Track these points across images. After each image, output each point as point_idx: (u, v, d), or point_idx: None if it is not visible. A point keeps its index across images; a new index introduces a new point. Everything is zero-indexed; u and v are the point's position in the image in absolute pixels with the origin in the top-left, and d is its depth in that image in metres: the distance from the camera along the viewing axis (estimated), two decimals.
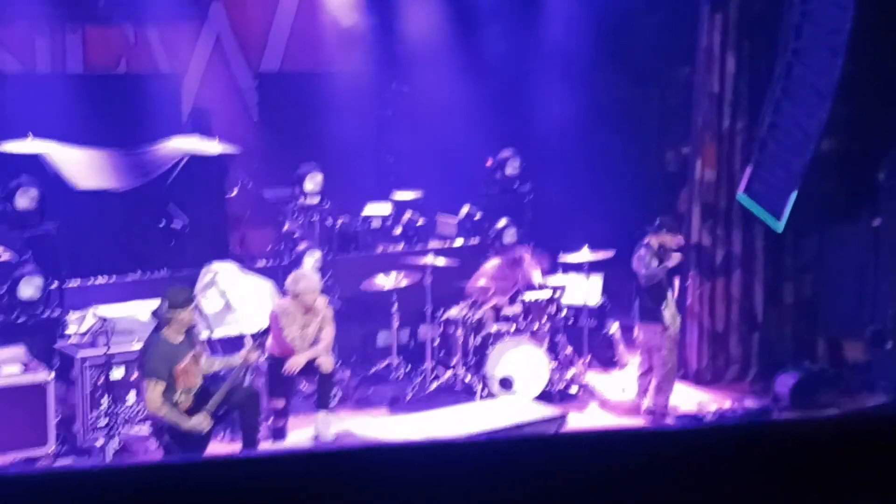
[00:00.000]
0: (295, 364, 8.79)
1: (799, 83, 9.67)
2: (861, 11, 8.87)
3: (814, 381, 10.05)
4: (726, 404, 10.12)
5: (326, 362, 8.93)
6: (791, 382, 10.01)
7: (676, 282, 10.57)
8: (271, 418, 8.90)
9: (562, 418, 9.19)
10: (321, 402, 9.04)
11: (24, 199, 9.51)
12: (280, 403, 8.87)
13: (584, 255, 10.76)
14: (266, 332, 8.46)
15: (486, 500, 2.34)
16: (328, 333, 8.97)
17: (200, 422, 7.64)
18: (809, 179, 9.50)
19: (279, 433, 8.87)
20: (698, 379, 10.91)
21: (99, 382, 8.81)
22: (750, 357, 10.96)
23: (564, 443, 2.52)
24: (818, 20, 9.45)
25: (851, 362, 10.51)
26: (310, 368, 8.98)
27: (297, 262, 10.60)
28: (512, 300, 10.89)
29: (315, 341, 8.95)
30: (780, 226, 9.86)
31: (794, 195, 9.43)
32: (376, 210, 11.98)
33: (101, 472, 2.30)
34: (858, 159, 10.00)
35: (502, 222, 11.24)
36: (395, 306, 10.62)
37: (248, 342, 8.32)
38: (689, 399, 10.36)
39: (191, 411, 7.71)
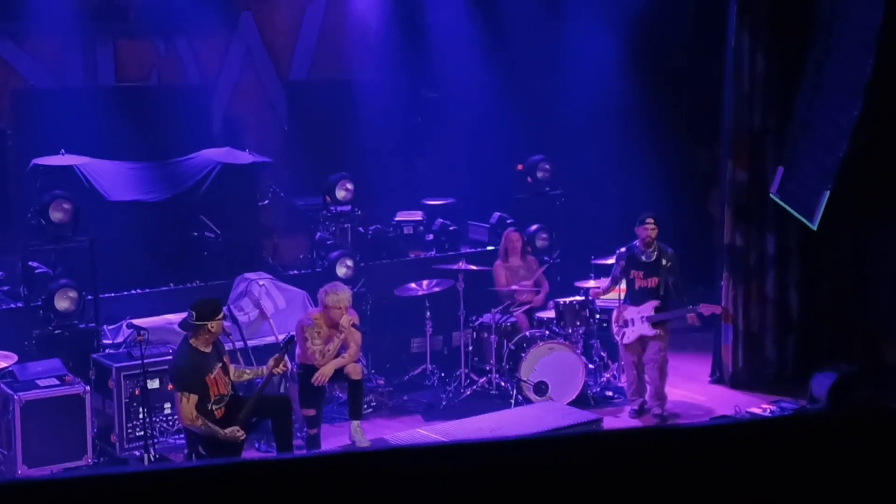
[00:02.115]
0: (323, 375, 8.81)
1: (830, 81, 9.59)
2: (891, 7, 8.78)
3: (851, 382, 9.95)
4: (763, 407, 10.04)
5: (355, 370, 8.93)
6: (828, 383, 9.92)
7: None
8: (304, 427, 8.92)
9: (597, 423, 9.16)
10: (353, 411, 9.06)
11: (59, 213, 9.60)
12: (311, 412, 8.88)
13: None
14: (292, 341, 8.48)
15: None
16: (354, 341, 8.97)
17: (234, 433, 7.67)
18: (843, 177, 9.41)
19: (313, 441, 8.89)
20: (734, 382, 10.84)
21: (135, 393, 8.87)
22: (786, 358, 10.88)
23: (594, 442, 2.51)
24: (848, 17, 9.37)
25: (889, 362, 10.40)
26: (340, 376, 9.00)
27: (329, 270, 10.63)
28: (545, 305, 10.90)
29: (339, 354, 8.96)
30: (814, 225, 9.77)
31: (826, 194, 9.35)
32: (408, 216, 11.99)
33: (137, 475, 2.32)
34: (892, 155, 9.90)
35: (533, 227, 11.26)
36: (429, 313, 10.62)
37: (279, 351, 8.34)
38: (725, 402, 10.29)
39: (223, 421, 7.74)
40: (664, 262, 9.79)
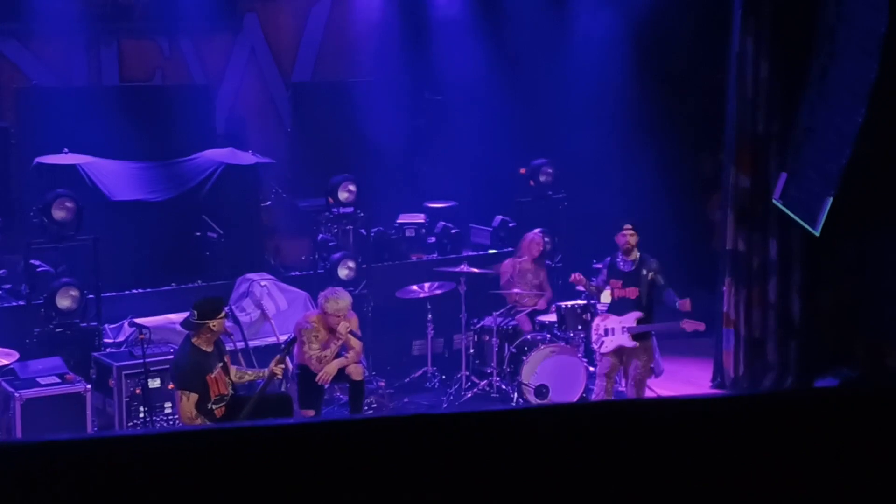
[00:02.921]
0: (326, 374, 8.79)
1: (834, 86, 9.59)
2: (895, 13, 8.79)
3: (852, 388, 9.93)
4: None
5: (356, 370, 8.92)
6: None
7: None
8: None
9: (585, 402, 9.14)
10: (354, 412, 9.04)
11: (61, 211, 9.61)
12: (310, 413, 8.87)
13: None
14: (293, 342, 8.47)
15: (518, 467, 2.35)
16: (356, 342, 8.95)
17: None
18: (846, 183, 9.41)
19: None
20: (735, 387, 10.83)
21: (136, 392, 8.87)
22: (787, 364, 10.86)
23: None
24: (852, 22, 9.37)
25: (891, 369, 10.38)
26: (341, 376, 8.98)
27: (331, 272, 10.63)
28: (547, 308, 10.89)
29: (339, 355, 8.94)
30: (816, 231, 9.77)
31: (829, 200, 9.34)
32: (410, 219, 11.99)
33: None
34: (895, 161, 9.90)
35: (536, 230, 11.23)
36: (430, 315, 10.62)
37: (279, 352, 8.34)
38: None
39: (223, 421, 7.74)
40: (645, 272, 9.45)
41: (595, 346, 9.68)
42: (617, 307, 9.56)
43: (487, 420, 2.40)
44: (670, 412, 2.48)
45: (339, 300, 8.86)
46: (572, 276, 9.80)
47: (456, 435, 2.35)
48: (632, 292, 9.49)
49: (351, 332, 8.92)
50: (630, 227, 9.52)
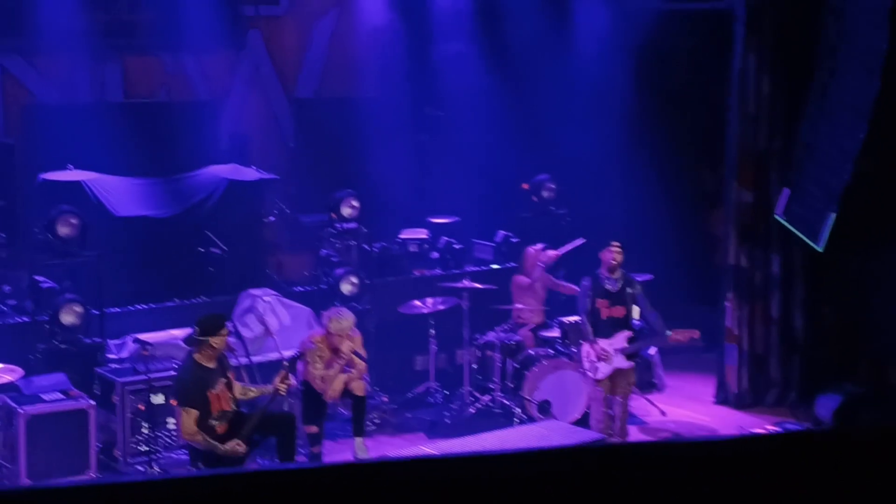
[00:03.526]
0: (334, 391, 8.82)
1: (835, 103, 9.61)
2: None
3: (855, 405, 9.93)
4: (766, 428, 10.02)
5: (359, 386, 8.94)
6: (832, 406, 9.91)
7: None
8: (307, 446, 8.92)
9: (601, 443, 9.14)
10: (357, 428, 9.06)
11: (65, 228, 9.64)
12: (313, 429, 8.88)
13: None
14: (297, 359, 8.49)
15: None
16: (360, 364, 8.97)
17: (235, 447, 7.67)
18: (848, 200, 9.42)
19: (316, 459, 8.88)
20: (738, 402, 10.83)
21: (139, 408, 8.88)
22: (790, 380, 10.86)
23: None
24: (854, 39, 9.40)
25: (894, 384, 10.38)
26: (344, 392, 9.00)
27: (334, 287, 10.64)
28: (550, 323, 10.91)
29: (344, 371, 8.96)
30: (820, 247, 9.78)
31: (832, 216, 9.36)
32: (413, 234, 12.01)
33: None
34: None
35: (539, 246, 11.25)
36: (433, 330, 10.63)
37: (283, 368, 8.35)
38: (729, 422, 10.27)
39: (225, 437, 7.74)
40: (629, 290, 9.37)
41: (590, 374, 9.47)
42: (605, 329, 9.40)
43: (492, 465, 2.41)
44: (676, 455, 2.48)
45: (343, 320, 8.89)
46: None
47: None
48: (619, 311, 9.38)
49: (355, 353, 8.93)
50: (618, 245, 9.36)
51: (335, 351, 8.84)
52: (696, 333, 9.55)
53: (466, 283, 10.68)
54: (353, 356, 8.88)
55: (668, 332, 9.45)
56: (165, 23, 11.74)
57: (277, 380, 8.01)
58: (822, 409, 9.97)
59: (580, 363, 10.11)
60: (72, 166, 10.58)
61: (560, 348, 10.47)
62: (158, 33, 11.81)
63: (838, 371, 10.61)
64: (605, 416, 9.48)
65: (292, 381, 8.33)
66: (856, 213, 9.65)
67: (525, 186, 12.44)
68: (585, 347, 9.51)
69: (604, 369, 9.38)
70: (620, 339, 9.39)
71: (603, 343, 9.37)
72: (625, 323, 9.40)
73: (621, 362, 9.38)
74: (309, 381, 8.92)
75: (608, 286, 9.39)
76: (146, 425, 8.86)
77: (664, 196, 12.35)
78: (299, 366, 8.83)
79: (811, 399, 10.24)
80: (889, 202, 10.03)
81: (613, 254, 9.34)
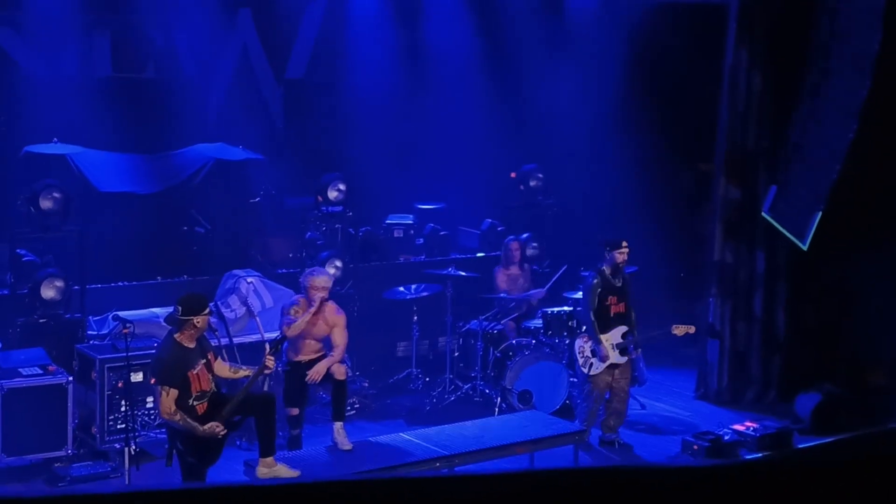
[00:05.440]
0: (316, 373, 8.75)
1: (826, 103, 9.62)
2: (889, 32, 8.81)
3: (834, 404, 9.96)
4: (746, 424, 10.03)
5: (339, 370, 8.89)
6: (811, 404, 9.94)
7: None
8: (287, 427, 8.88)
9: (580, 434, 9.14)
10: (336, 412, 9.00)
11: (48, 201, 9.55)
12: (294, 411, 8.85)
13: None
14: (283, 339, 8.44)
15: None
16: (341, 340, 8.90)
17: (213, 429, 7.62)
18: (832, 201, 9.44)
19: (295, 442, 8.85)
20: (718, 398, 10.86)
21: (118, 386, 8.83)
22: (770, 378, 10.88)
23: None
24: (846, 40, 9.41)
25: (873, 386, 10.42)
26: (324, 376, 8.95)
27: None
28: (533, 314, 10.89)
29: (321, 350, 8.89)
30: (804, 245, 9.80)
31: (818, 215, 9.37)
32: (399, 220, 11.98)
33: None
34: (882, 181, 9.93)
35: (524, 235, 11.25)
36: (416, 317, 10.60)
37: (266, 350, 8.30)
38: (708, 418, 10.29)
39: (205, 417, 7.70)
40: (626, 284, 9.53)
41: (584, 370, 9.46)
42: (612, 323, 9.43)
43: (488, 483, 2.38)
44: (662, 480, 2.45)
45: (317, 273, 8.91)
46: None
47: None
48: (623, 306, 9.49)
49: (335, 326, 8.83)
50: (627, 244, 9.47)
51: (315, 310, 8.77)
52: (691, 329, 9.60)
53: (451, 270, 10.65)
54: (338, 317, 8.82)
55: (673, 327, 9.49)
56: None
57: (267, 354, 7.97)
58: (801, 408, 10.00)
59: (564, 356, 10.13)
60: (57, 140, 10.50)
61: (543, 339, 10.46)
62: (148, 9, 11.72)
63: (817, 372, 10.64)
64: (596, 410, 9.48)
65: (275, 362, 8.29)
66: (840, 216, 9.67)
67: (513, 175, 12.42)
68: (579, 342, 9.53)
69: (598, 364, 9.39)
70: (616, 334, 9.43)
71: (603, 340, 9.40)
72: (626, 318, 9.46)
73: (617, 357, 9.41)
74: (294, 359, 8.85)
75: (616, 282, 9.49)
76: (124, 403, 8.80)
77: (652, 190, 12.36)
78: (283, 321, 8.75)
79: (791, 398, 10.26)
80: (873, 205, 10.04)
81: (625, 255, 9.45)
